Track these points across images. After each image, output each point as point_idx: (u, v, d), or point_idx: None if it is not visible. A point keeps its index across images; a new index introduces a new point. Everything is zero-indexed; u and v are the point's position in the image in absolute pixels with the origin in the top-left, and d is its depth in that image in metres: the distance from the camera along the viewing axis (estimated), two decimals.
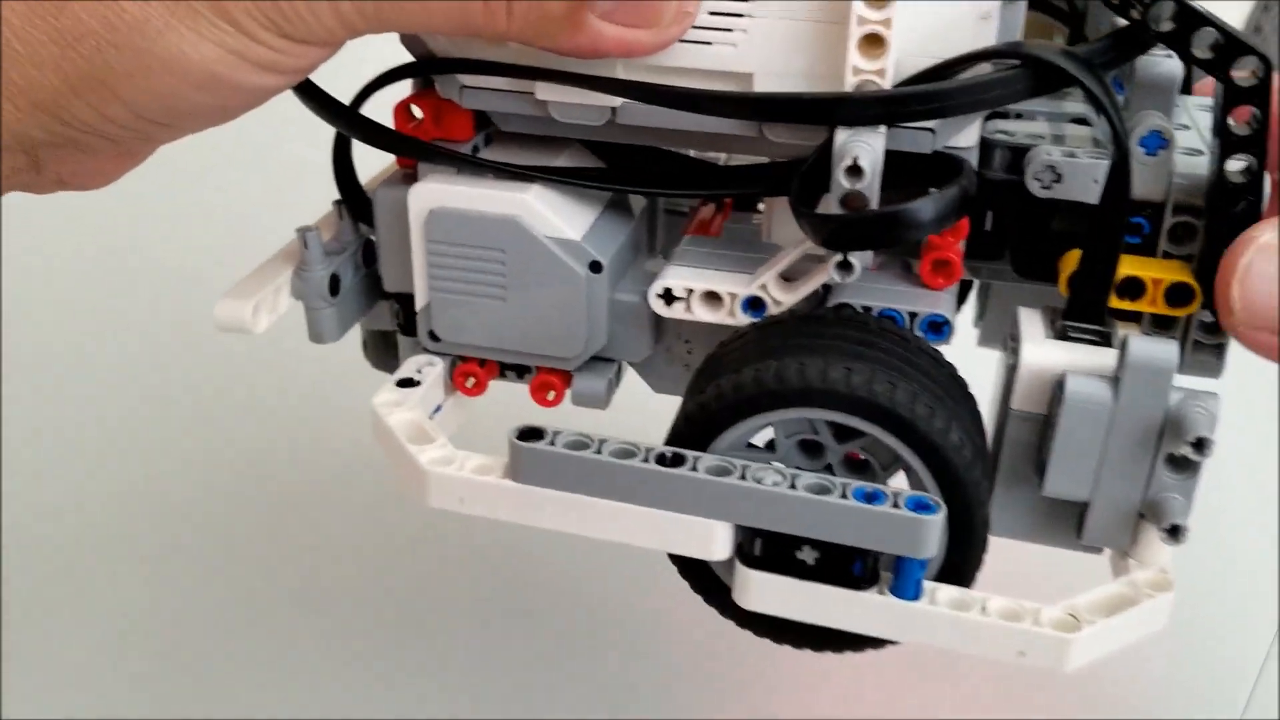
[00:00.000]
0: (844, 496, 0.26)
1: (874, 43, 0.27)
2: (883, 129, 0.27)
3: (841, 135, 0.27)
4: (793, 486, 0.26)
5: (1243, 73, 0.26)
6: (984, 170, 0.31)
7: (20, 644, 0.39)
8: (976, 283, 0.36)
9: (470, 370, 0.33)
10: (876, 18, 0.26)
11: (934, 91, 0.27)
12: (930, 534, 0.25)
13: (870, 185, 0.27)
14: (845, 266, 0.27)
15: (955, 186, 0.27)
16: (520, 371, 0.33)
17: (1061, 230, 0.30)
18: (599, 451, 0.27)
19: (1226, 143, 0.27)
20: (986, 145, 0.30)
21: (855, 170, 0.26)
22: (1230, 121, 0.27)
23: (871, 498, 0.26)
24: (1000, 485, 0.29)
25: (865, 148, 0.26)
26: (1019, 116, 0.33)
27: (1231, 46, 0.26)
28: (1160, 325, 0.29)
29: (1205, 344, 0.30)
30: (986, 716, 0.37)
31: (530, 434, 0.27)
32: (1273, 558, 0.44)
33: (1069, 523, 0.29)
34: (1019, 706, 0.38)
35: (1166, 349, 0.26)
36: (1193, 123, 0.32)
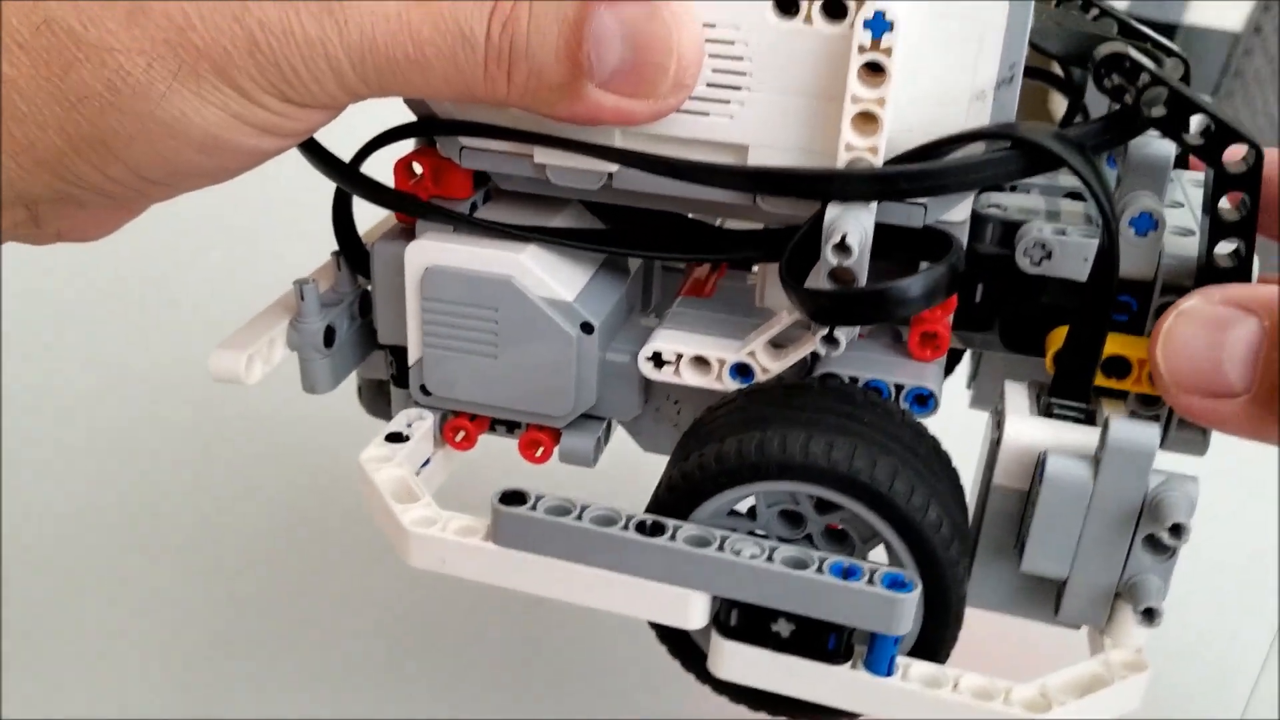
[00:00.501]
0: (820, 571, 0.26)
1: (867, 120, 0.27)
2: (873, 204, 0.27)
3: (832, 211, 0.27)
4: (770, 559, 0.26)
5: (1234, 159, 0.27)
6: (975, 243, 0.31)
7: (20, 644, 0.39)
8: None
9: (460, 425, 0.34)
10: (870, 96, 0.27)
11: (924, 171, 0.27)
12: (904, 612, 0.25)
13: (859, 261, 0.27)
14: (831, 341, 0.28)
15: (943, 265, 0.27)
16: (511, 427, 0.34)
17: (1050, 306, 0.30)
18: (580, 517, 0.27)
19: (1216, 227, 0.27)
20: (979, 219, 0.31)
21: (843, 247, 0.26)
22: (1221, 206, 0.27)
23: (848, 573, 0.26)
24: (981, 557, 0.29)
25: (854, 224, 0.26)
26: (1014, 189, 0.33)
27: (1223, 133, 0.26)
28: (1146, 404, 0.30)
29: (1190, 422, 0.30)
30: (985, 716, 0.37)
31: (512, 498, 0.28)
32: (1273, 558, 0.44)
33: (1048, 598, 0.29)
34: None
35: (1148, 432, 0.26)
36: (1186, 200, 0.32)
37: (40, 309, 0.59)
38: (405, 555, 0.28)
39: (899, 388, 0.29)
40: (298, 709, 0.36)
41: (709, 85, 0.28)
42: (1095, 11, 0.34)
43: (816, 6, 0.27)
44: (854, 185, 0.27)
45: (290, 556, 0.43)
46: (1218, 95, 1.03)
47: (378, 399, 0.37)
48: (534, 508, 0.27)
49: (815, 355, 0.30)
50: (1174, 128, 0.27)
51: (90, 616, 0.40)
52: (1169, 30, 1.03)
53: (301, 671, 0.38)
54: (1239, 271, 0.28)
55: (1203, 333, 0.26)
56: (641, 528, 0.27)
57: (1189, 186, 0.33)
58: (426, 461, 0.33)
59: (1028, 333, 0.31)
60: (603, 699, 0.32)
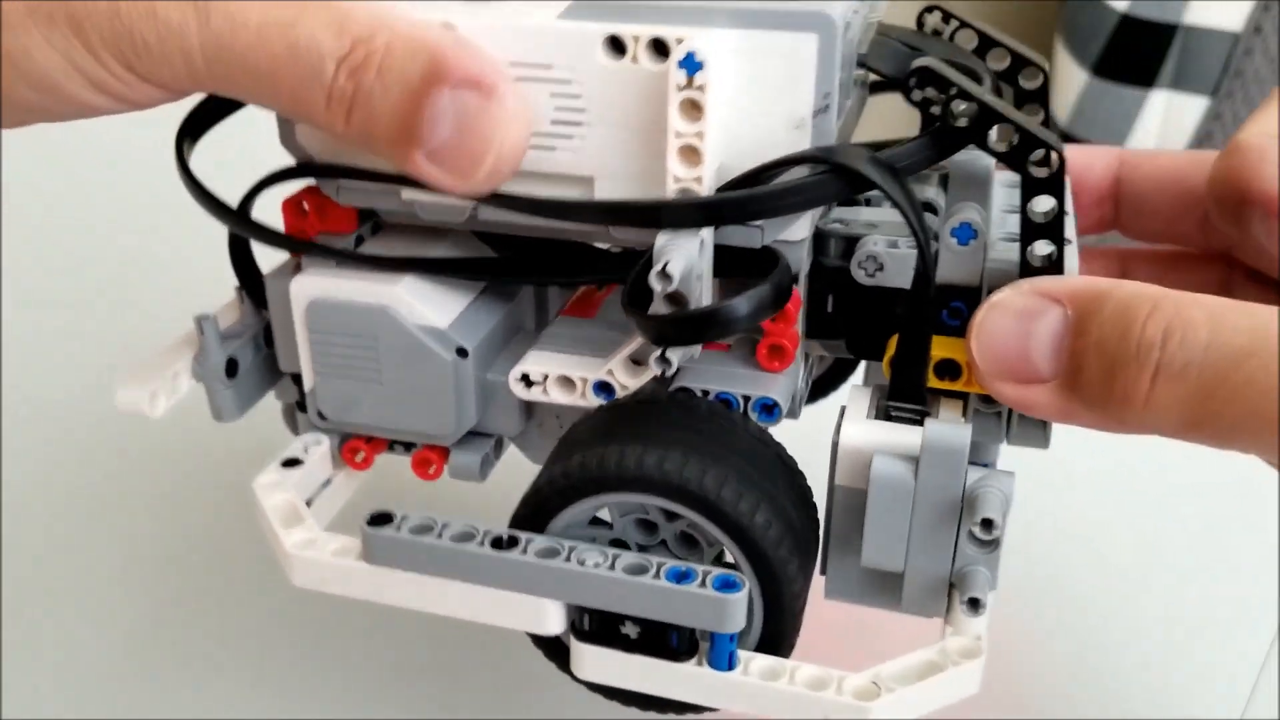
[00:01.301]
0: (657, 577, 0.28)
1: (690, 153, 0.29)
2: (706, 232, 0.29)
3: (661, 239, 0.29)
4: (612, 567, 0.28)
5: (1038, 165, 0.28)
6: (821, 258, 0.33)
7: (20, 644, 0.40)
8: None
9: (358, 446, 0.36)
10: (691, 130, 0.28)
11: (746, 197, 0.29)
12: (734, 611, 0.27)
13: (686, 285, 0.29)
14: (665, 361, 0.29)
15: (767, 284, 0.29)
16: (407, 445, 0.36)
17: (888, 315, 0.32)
18: (440, 535, 0.29)
19: (1028, 229, 0.29)
20: (824, 235, 0.32)
21: (664, 274, 0.28)
22: (1031, 209, 0.29)
23: (683, 577, 0.28)
24: (833, 553, 0.31)
25: (677, 252, 0.28)
26: (868, 203, 0.35)
27: (1026, 141, 0.28)
28: (987, 402, 0.31)
29: (1029, 418, 0.31)
30: (986, 716, 0.38)
31: (380, 519, 0.30)
32: (1273, 558, 0.44)
33: (896, 589, 0.31)
34: (1018, 706, 0.39)
35: (959, 432, 0.28)
36: (1011, 206, 0.33)
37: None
38: (290, 575, 0.31)
39: (746, 398, 0.31)
40: (297, 709, 0.38)
41: (553, 122, 0.30)
42: (955, 25, 0.36)
43: (642, 47, 0.28)
44: (680, 213, 0.29)
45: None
46: (1218, 95, 1.03)
47: (295, 421, 0.39)
48: (398, 528, 0.29)
49: (677, 370, 0.32)
50: (981, 138, 0.28)
51: (90, 616, 0.41)
52: (1169, 30, 1.03)
53: (303, 671, 0.39)
54: (1054, 270, 0.29)
55: (1012, 323, 0.28)
56: (497, 543, 0.29)
57: (1005, 188, 0.35)
58: (327, 482, 0.35)
59: (870, 341, 0.33)
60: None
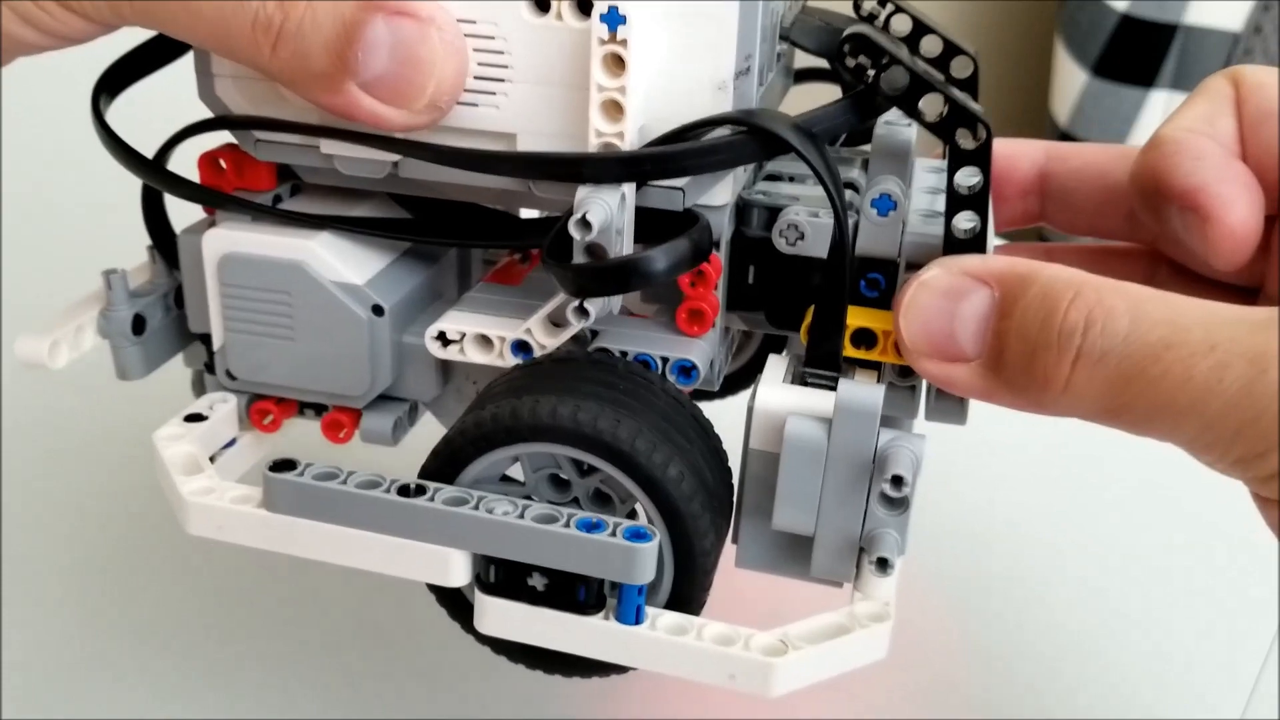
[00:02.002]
0: (567, 526, 0.27)
1: (613, 108, 0.29)
2: (627, 188, 0.29)
3: (582, 192, 0.29)
4: (521, 516, 0.27)
5: (965, 137, 0.29)
6: (743, 228, 0.33)
7: (21, 644, 0.39)
8: None
9: (266, 408, 0.35)
10: (613, 85, 0.28)
11: (664, 153, 0.29)
12: (643, 561, 0.27)
13: (605, 237, 0.29)
14: (582, 312, 0.29)
15: (685, 239, 0.29)
16: (317, 409, 0.35)
17: (808, 285, 0.32)
18: (345, 482, 0.28)
19: (954, 201, 0.29)
20: (747, 205, 0.33)
21: (584, 223, 0.28)
22: (956, 181, 0.29)
23: (594, 528, 0.27)
24: (744, 520, 0.31)
25: (597, 205, 0.28)
26: (792, 180, 0.35)
27: (955, 113, 0.28)
28: (902, 374, 0.32)
29: (948, 394, 0.32)
30: (986, 716, 0.38)
31: (282, 466, 0.29)
32: (1273, 558, 0.44)
33: (805, 557, 0.31)
34: (1017, 706, 0.39)
35: (871, 393, 0.28)
36: (943, 186, 0.34)
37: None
38: (185, 523, 0.30)
39: (665, 360, 0.31)
40: (297, 709, 0.37)
41: (476, 78, 0.30)
42: (891, 8, 0.36)
43: (566, 4, 0.29)
44: (601, 167, 0.29)
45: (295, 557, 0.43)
46: None
47: (203, 389, 0.38)
48: (302, 474, 0.29)
49: (594, 334, 0.32)
50: (910, 107, 0.29)
51: (90, 616, 0.41)
52: (1169, 30, 1.03)
53: (304, 671, 0.38)
54: (975, 243, 0.30)
55: (939, 301, 0.28)
56: (403, 491, 0.28)
57: (926, 172, 0.35)
58: (231, 443, 0.35)
59: (790, 311, 0.33)
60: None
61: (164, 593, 0.41)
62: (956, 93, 0.29)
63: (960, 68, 0.35)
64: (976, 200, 0.29)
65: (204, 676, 0.38)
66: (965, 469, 0.49)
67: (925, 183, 0.34)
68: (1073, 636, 0.41)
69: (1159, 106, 1.07)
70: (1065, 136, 1.10)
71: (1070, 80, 1.10)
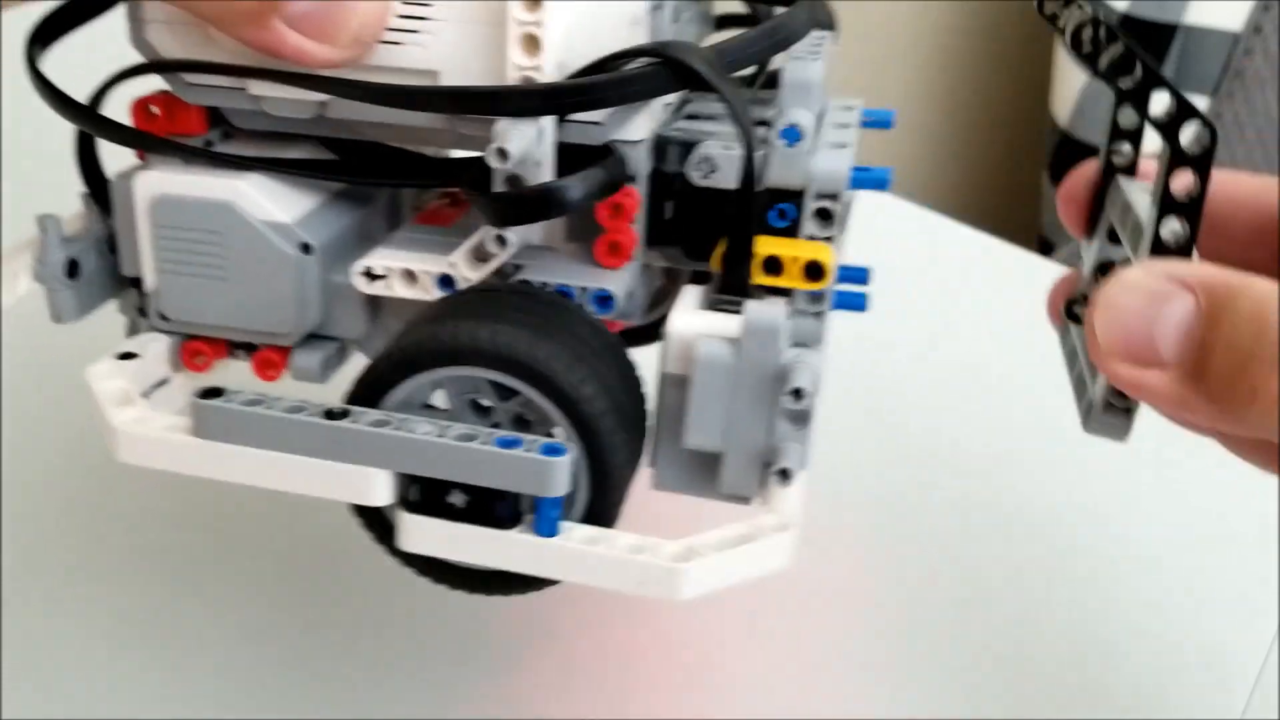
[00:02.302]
0: (486, 443, 0.28)
1: (531, 43, 0.30)
2: (546, 121, 0.30)
3: (501, 124, 0.30)
4: (441, 436, 0.29)
5: (1190, 140, 0.27)
6: (660, 164, 0.34)
7: (21, 644, 0.39)
8: None
9: (198, 348, 0.36)
10: (530, 19, 0.30)
11: (579, 85, 0.30)
12: (557, 474, 0.28)
13: (524, 168, 0.30)
14: (501, 241, 0.30)
15: (599, 168, 0.30)
16: (249, 349, 0.36)
17: (721, 217, 0.33)
18: (271, 408, 0.29)
19: (1166, 205, 0.28)
20: (665, 141, 0.34)
21: (501, 153, 0.29)
22: (1172, 185, 0.28)
23: (511, 444, 0.28)
24: (660, 443, 0.32)
25: (515, 134, 0.29)
26: (712, 119, 0.36)
27: (1183, 112, 0.27)
28: (814, 300, 0.33)
29: (1113, 404, 0.30)
30: (986, 716, 0.38)
31: (211, 393, 0.30)
32: (1273, 558, 0.44)
33: (717, 475, 0.32)
34: (1017, 706, 0.39)
35: (775, 311, 0.29)
36: (844, 122, 0.35)
37: None
38: (115, 452, 0.30)
39: (584, 290, 0.32)
40: (297, 708, 0.37)
41: (400, 16, 0.31)
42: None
43: None
44: (519, 100, 0.30)
45: (294, 557, 0.43)
46: (1218, 95, 1.04)
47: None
48: (230, 401, 0.29)
49: (517, 267, 0.33)
50: (1140, 101, 0.29)
51: (90, 616, 0.41)
52: (1169, 30, 1.03)
53: (305, 671, 0.39)
54: (1183, 251, 0.28)
55: (1140, 303, 0.27)
56: (329, 414, 0.29)
57: (839, 111, 0.36)
58: (163, 382, 0.35)
59: (706, 244, 0.34)
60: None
61: (163, 589, 0.42)
62: (1185, 96, 0.28)
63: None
64: (1190, 208, 0.28)
65: (204, 676, 0.39)
66: (965, 469, 0.50)
67: (837, 119, 0.36)
68: (1073, 636, 0.42)
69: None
70: (1065, 137, 1.10)
71: (1070, 80, 1.10)
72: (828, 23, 0.38)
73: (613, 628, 0.40)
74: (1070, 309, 0.36)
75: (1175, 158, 0.27)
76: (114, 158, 0.36)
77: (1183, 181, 0.27)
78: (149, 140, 0.34)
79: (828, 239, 0.32)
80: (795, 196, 0.32)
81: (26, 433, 0.49)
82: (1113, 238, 0.34)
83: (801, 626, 0.42)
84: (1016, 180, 1.40)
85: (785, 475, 0.29)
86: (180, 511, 0.45)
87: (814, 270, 0.31)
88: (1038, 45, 1.24)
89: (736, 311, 0.31)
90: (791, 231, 0.32)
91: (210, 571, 0.43)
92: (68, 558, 0.43)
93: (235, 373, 0.37)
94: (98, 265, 0.36)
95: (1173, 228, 0.28)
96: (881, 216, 0.74)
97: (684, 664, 0.40)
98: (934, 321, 0.61)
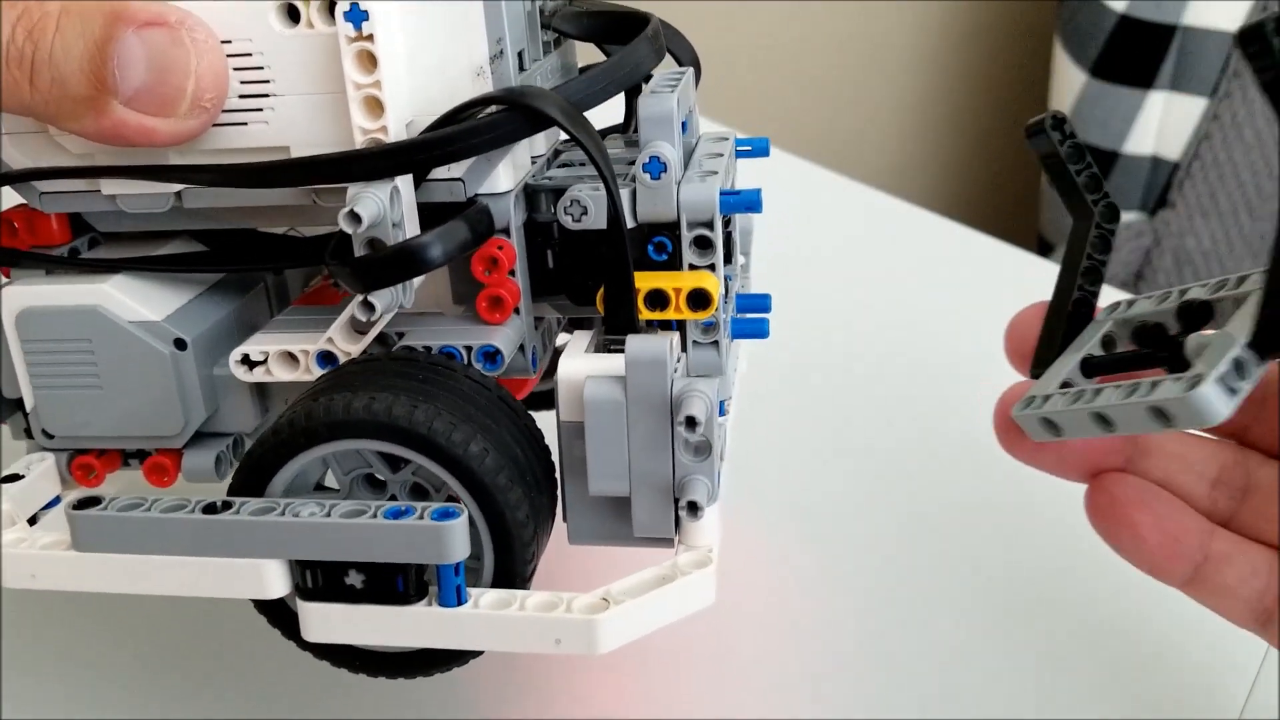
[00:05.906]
0: (374, 517, 0.27)
1: (373, 105, 0.29)
2: (400, 180, 0.30)
3: (352, 190, 0.29)
4: (328, 515, 0.27)
5: None
6: (534, 214, 0.33)
7: (20, 644, 0.39)
8: None
9: (88, 462, 0.34)
10: (368, 82, 0.29)
11: (428, 140, 0.29)
12: (452, 539, 0.27)
13: (381, 231, 0.29)
14: (368, 306, 0.29)
15: (459, 220, 0.29)
16: (141, 456, 0.35)
17: (599, 259, 0.33)
18: (149, 510, 0.28)
19: None
20: (535, 191, 0.33)
21: (353, 217, 0.28)
22: None
23: (401, 514, 0.27)
24: (569, 494, 0.31)
25: (365, 198, 0.28)
26: (583, 164, 0.36)
27: None
28: (706, 332, 0.32)
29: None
30: (985, 716, 0.38)
31: (86, 503, 0.29)
32: (1273, 559, 0.44)
33: (630, 520, 0.31)
34: (1017, 706, 0.38)
35: (657, 343, 0.28)
36: (716, 152, 0.35)
37: None
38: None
39: (469, 348, 0.31)
40: (296, 709, 0.36)
41: (240, 96, 0.30)
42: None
43: (314, 10, 0.29)
44: (366, 163, 0.29)
45: None
46: (1217, 96, 1.04)
47: None
48: (105, 508, 0.28)
49: (400, 334, 0.32)
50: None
51: (90, 615, 0.40)
52: (1167, 31, 1.03)
53: (301, 672, 0.37)
54: None
55: None
56: (209, 509, 0.28)
57: (708, 141, 0.36)
58: (55, 501, 0.34)
59: (589, 288, 0.33)
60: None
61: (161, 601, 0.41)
62: None
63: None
64: None
65: (203, 676, 0.38)
66: (966, 469, 0.49)
67: (709, 149, 0.35)
68: (1072, 636, 0.41)
69: (1157, 107, 1.07)
70: None
71: (1069, 81, 1.10)
72: (688, 58, 0.38)
73: None
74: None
75: None
76: None
77: None
78: (9, 255, 0.33)
79: (710, 267, 0.32)
80: (670, 229, 0.32)
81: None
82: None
83: (802, 627, 0.42)
84: (1016, 180, 1.41)
85: (694, 509, 0.29)
86: None
87: (699, 299, 0.31)
88: (1037, 46, 1.25)
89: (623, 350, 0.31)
90: (673, 264, 0.32)
91: None
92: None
93: (136, 483, 0.35)
94: None
95: None
96: (882, 217, 0.75)
97: (681, 664, 0.40)
98: (934, 321, 0.62)
